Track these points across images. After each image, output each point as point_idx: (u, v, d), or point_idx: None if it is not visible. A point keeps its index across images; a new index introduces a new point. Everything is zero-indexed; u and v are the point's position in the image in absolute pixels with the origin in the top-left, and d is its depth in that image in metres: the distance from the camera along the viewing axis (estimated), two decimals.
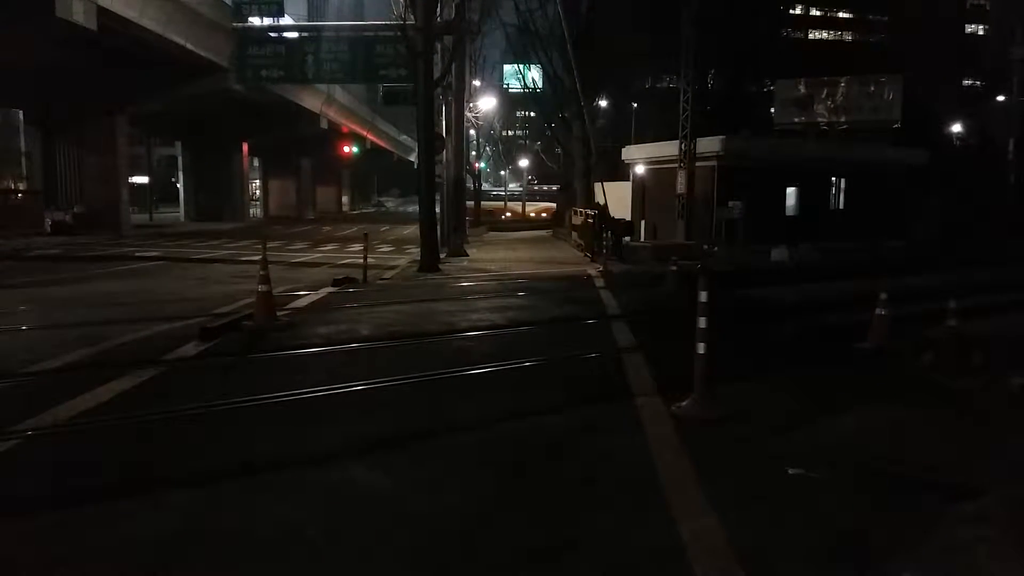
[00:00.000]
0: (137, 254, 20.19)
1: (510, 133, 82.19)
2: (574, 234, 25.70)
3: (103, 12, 21.15)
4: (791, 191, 24.68)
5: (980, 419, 5.56)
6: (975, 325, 8.29)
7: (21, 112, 32.43)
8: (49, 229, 27.40)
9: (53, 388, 5.90)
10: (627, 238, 20.88)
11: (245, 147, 44.81)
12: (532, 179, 71.49)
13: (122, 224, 30.26)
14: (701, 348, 5.52)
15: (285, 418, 5.35)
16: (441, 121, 22.82)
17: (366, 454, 4.59)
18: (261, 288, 8.34)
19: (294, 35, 22.71)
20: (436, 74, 18.15)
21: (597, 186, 25.20)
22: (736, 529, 3.62)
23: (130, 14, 22.73)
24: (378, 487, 4.12)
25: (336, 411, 5.52)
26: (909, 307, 9.72)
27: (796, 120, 28.02)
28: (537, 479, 4.33)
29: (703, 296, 5.53)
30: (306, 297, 11.47)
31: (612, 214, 21.20)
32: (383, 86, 26.11)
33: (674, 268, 12.94)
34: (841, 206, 25.81)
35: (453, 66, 20.34)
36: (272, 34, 22.70)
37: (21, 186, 30.43)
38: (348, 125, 50.49)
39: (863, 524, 3.76)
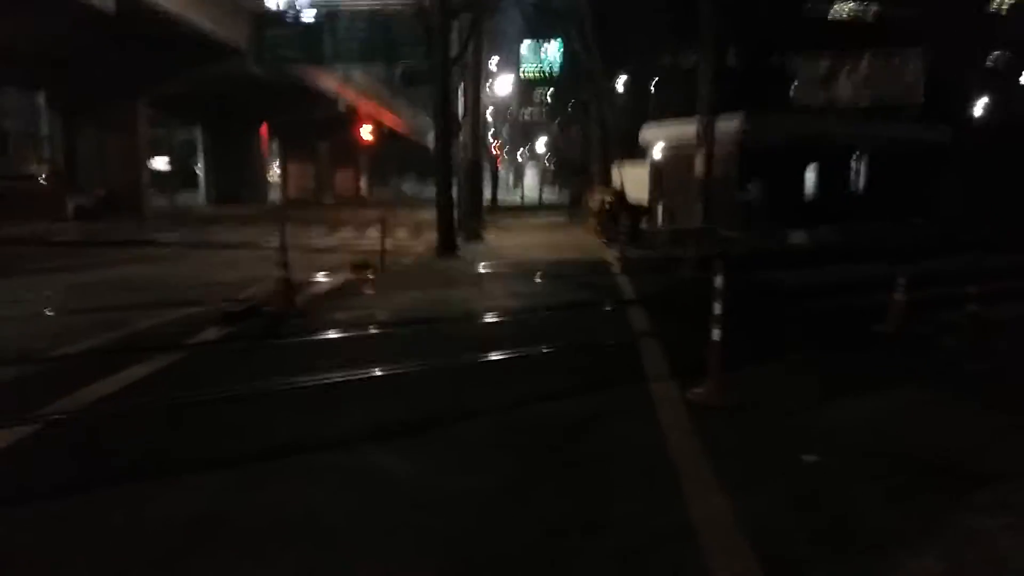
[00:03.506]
0: (159, 239, 20.39)
1: (528, 115, 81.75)
2: (591, 219, 25.61)
3: None
4: (811, 171, 24.40)
5: (999, 404, 5.53)
6: (996, 309, 8.23)
7: (42, 96, 32.68)
8: (72, 214, 27.69)
9: (77, 372, 6.02)
10: (644, 222, 20.78)
11: (264, 129, 44.95)
12: (549, 161, 71.11)
13: (144, 208, 30.53)
14: (716, 334, 5.54)
15: (305, 403, 5.43)
16: (458, 102, 22.76)
17: (386, 439, 4.66)
18: (280, 274, 8.42)
19: (312, 16, 22.69)
20: (453, 53, 18.08)
21: (614, 169, 25.11)
22: (747, 513, 3.66)
23: None
24: (398, 471, 4.19)
25: (355, 396, 5.60)
26: (930, 290, 9.64)
27: (817, 98, 27.67)
28: (553, 463, 4.38)
29: (718, 282, 5.54)
30: (325, 283, 11.56)
31: (629, 197, 21.12)
32: (402, 66, 26.10)
33: (691, 253, 12.90)
34: (862, 186, 25.50)
35: (470, 45, 20.23)
36: (290, 15, 22.74)
37: (44, 170, 30.76)
38: (366, 107, 50.47)
39: (877, 509, 3.79)
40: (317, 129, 51.70)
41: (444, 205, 17.63)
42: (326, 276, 12.35)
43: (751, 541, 3.38)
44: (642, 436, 4.79)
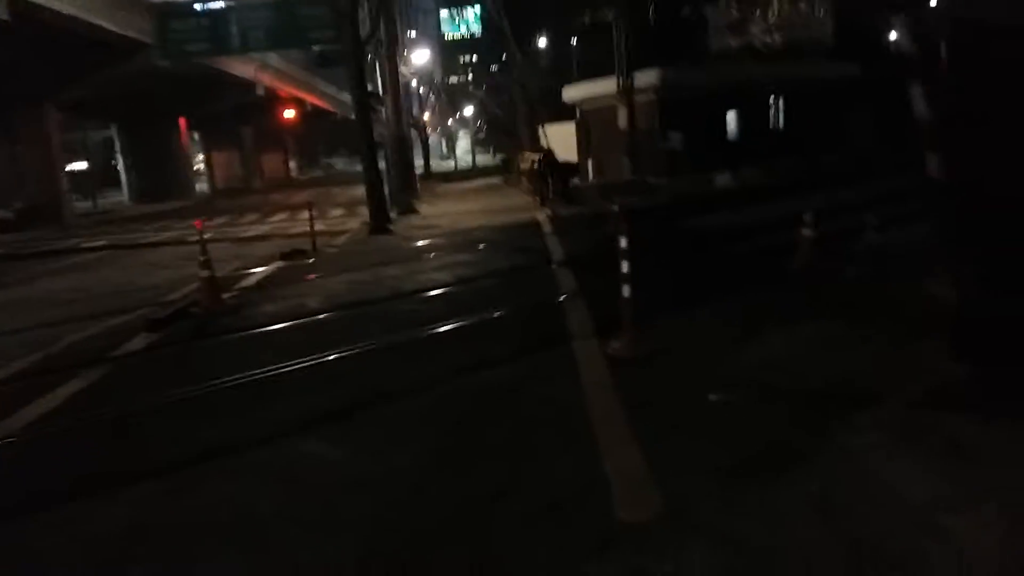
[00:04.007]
0: (83, 245, 19.87)
1: (453, 81, 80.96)
2: (523, 180, 25.78)
3: (14, 1, 20.34)
4: (731, 115, 24.91)
5: (888, 330, 5.89)
6: (900, 232, 8.67)
7: None
8: None
9: (7, 397, 5.99)
10: (575, 179, 21.02)
11: (183, 122, 43.72)
12: (479, 126, 70.73)
13: (65, 215, 29.57)
14: (626, 291, 5.82)
15: (235, 401, 5.52)
16: (377, 79, 22.56)
17: (316, 427, 4.80)
18: (203, 274, 8.40)
19: (217, 5, 22.07)
20: (364, 32, 17.91)
21: (541, 129, 25.27)
22: (656, 459, 3.93)
23: (43, 0, 21.89)
24: (328, 458, 4.36)
25: (285, 388, 5.71)
26: (840, 222, 10.07)
27: (731, 44, 28.08)
28: (479, 432, 4.58)
29: (622, 242, 5.81)
30: (255, 275, 11.51)
31: (559, 156, 21.30)
32: (316, 49, 25.61)
33: (615, 207, 13.16)
34: (781, 125, 26.15)
35: (381, 23, 20.04)
36: (196, 6, 22.07)
37: None
38: (285, 89, 49.34)
39: (772, 441, 4.10)
40: (238, 116, 50.43)
41: (372, 182, 17.59)
42: (256, 268, 12.29)
43: (658, 486, 3.65)
44: (564, 395, 5.02)
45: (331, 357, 6.31)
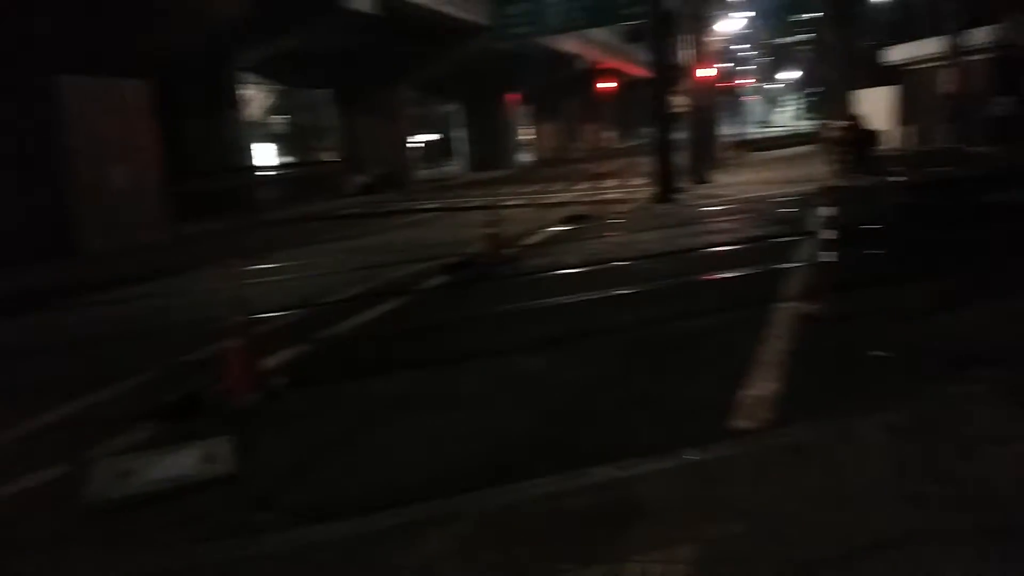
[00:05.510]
0: (418, 207, 23.47)
1: (784, 40, 77.50)
2: (829, 149, 24.85)
3: None
4: None
5: None
6: None
7: (329, 93, 38.02)
8: (352, 191, 32.40)
9: (340, 312, 8.25)
10: (876, 148, 19.98)
11: (512, 97, 48.01)
12: (809, 89, 67.22)
13: (409, 181, 34.70)
14: (825, 256, 6.42)
15: (484, 327, 7.25)
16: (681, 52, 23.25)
17: (534, 349, 6.24)
18: (488, 231, 10.34)
19: None
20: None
21: (852, 95, 24.21)
22: (789, 393, 4.69)
23: None
24: (533, 368, 5.78)
25: (522, 321, 7.30)
26: None
27: None
28: (654, 362, 5.69)
29: (826, 210, 6.38)
30: (536, 235, 13.33)
31: (871, 124, 20.40)
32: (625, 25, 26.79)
33: (891, 179, 12.81)
34: None
35: None
36: None
37: (330, 156, 36.10)
38: (605, 61, 51.57)
39: (892, 382, 4.73)
40: (562, 89, 53.79)
41: (659, 153, 18.61)
42: (541, 230, 14.10)
43: (776, 410, 4.46)
44: (742, 342, 5.82)
45: (565, 301, 7.76)
